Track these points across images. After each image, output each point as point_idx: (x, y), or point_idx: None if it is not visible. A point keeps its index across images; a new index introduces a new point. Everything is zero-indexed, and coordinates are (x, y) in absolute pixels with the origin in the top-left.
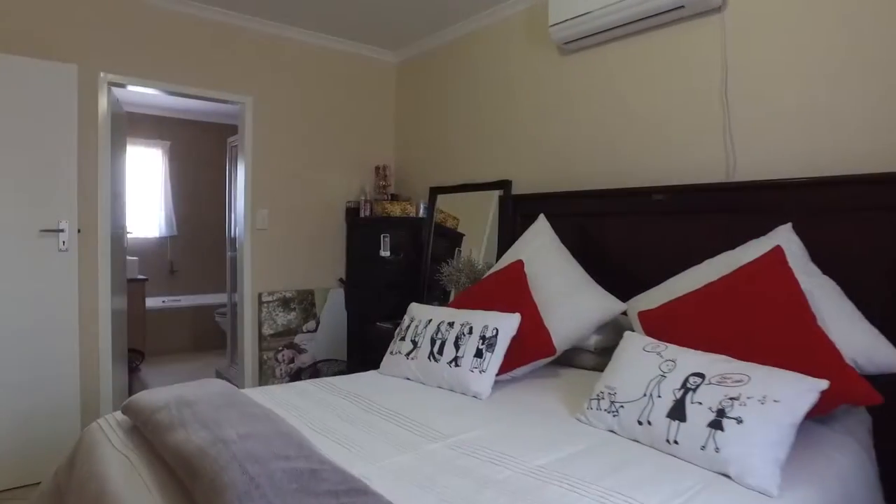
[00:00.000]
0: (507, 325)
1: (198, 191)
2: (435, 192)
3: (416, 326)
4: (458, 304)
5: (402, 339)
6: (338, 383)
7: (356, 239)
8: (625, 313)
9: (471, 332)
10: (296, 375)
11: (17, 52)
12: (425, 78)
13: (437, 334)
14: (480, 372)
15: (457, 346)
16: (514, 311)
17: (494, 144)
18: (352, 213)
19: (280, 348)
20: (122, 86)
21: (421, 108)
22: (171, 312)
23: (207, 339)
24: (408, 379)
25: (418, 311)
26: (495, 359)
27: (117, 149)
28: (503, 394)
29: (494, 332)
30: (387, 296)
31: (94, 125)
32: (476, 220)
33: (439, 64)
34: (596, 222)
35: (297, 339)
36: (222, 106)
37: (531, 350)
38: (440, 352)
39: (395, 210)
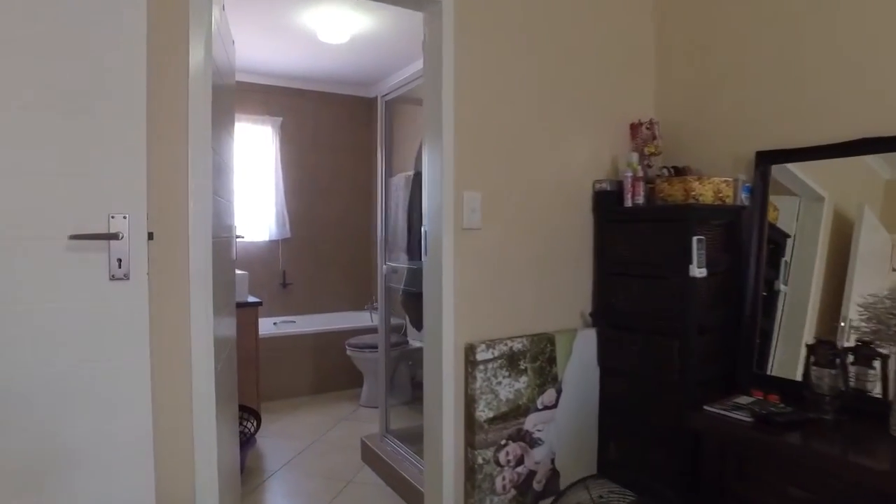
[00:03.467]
0: None
1: (318, 180)
2: (770, 159)
3: None
4: None
5: None
6: None
7: (617, 243)
8: None
9: None
10: (524, 488)
11: None
12: None
13: None
14: None
15: None
16: None
17: None
18: (605, 199)
19: (503, 441)
20: None
21: (707, 21)
22: (286, 340)
23: (332, 376)
24: None
25: None
26: None
27: (221, 111)
28: None
29: None
30: (682, 346)
31: (182, 56)
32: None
33: None
34: None
35: (529, 421)
36: (351, 69)
37: None
38: None
39: (706, 193)
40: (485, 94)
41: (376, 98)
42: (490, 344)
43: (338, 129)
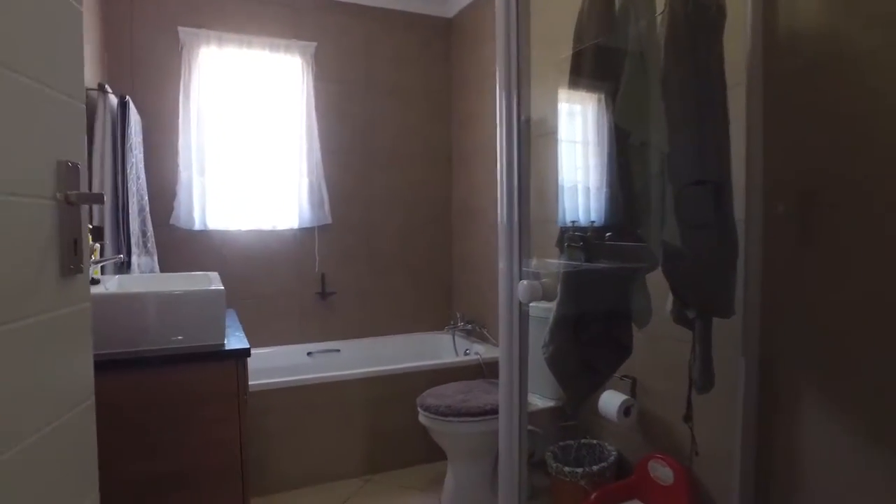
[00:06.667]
0: None
1: (372, 138)
2: None
3: None
4: None
5: None
6: None
7: None
8: None
9: None
10: None
11: None
12: None
13: None
14: None
15: None
16: None
17: None
18: None
19: None
20: None
21: None
22: (323, 390)
23: (395, 445)
24: None
25: None
26: None
27: None
28: None
29: None
30: None
31: None
32: None
33: None
34: None
35: None
36: None
37: None
38: None
39: None
40: None
41: (454, 19)
42: None
43: (401, 61)
